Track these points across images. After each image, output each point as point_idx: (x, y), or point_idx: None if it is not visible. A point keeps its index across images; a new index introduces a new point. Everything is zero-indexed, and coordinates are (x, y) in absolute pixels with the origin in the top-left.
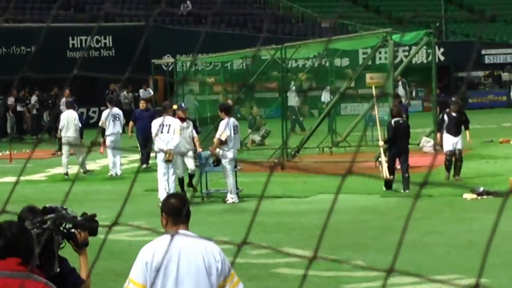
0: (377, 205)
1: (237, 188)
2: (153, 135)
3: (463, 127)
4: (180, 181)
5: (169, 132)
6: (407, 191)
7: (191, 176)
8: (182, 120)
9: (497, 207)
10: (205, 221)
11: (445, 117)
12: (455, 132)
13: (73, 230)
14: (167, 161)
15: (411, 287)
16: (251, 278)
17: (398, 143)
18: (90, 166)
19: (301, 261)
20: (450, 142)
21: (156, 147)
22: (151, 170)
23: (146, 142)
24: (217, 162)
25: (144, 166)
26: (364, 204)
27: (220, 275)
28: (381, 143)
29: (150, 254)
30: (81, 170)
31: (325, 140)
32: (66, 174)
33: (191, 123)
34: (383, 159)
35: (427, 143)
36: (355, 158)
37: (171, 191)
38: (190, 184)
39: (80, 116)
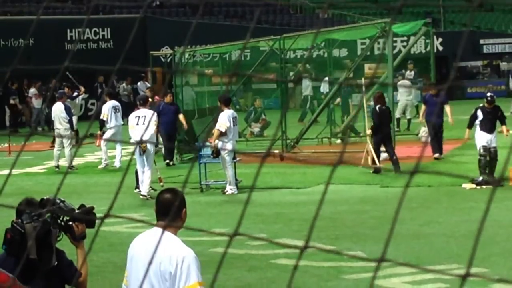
0: (376, 196)
1: (236, 179)
2: (129, 128)
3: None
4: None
5: (144, 124)
6: (398, 173)
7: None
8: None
9: (497, 197)
10: (204, 213)
11: (479, 112)
12: (490, 129)
13: (70, 223)
14: (142, 151)
15: (410, 277)
16: (250, 268)
17: (383, 129)
18: (89, 158)
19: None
20: (484, 138)
21: (132, 139)
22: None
23: (169, 138)
24: (217, 153)
25: (170, 163)
26: (363, 194)
27: (174, 282)
28: (369, 131)
29: (131, 246)
30: (66, 164)
31: (324, 130)
32: (57, 166)
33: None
34: (371, 147)
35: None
36: (345, 148)
37: (146, 183)
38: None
39: (68, 108)
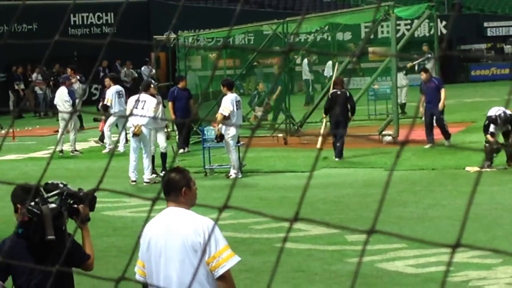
0: (380, 179)
1: (240, 163)
2: (127, 112)
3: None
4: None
5: (144, 109)
6: (337, 159)
7: (164, 155)
8: (153, 96)
9: (501, 180)
10: (208, 197)
11: (491, 127)
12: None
13: (75, 206)
14: (134, 134)
15: (414, 260)
16: (254, 252)
17: (334, 113)
18: (93, 143)
19: (304, 235)
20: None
21: (129, 123)
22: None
23: (183, 124)
24: (220, 138)
25: (185, 150)
26: (367, 177)
27: (204, 251)
28: (323, 114)
29: (144, 232)
30: (70, 148)
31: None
32: (61, 151)
33: (161, 98)
34: (322, 130)
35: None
36: (325, 132)
37: (147, 169)
38: (163, 167)
39: (72, 92)
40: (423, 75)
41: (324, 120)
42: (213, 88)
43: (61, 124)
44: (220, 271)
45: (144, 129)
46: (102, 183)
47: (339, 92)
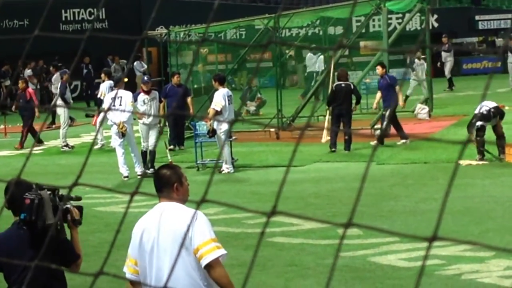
0: (372, 173)
1: (232, 158)
2: (105, 109)
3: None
4: (143, 154)
5: (121, 105)
6: (347, 151)
7: (152, 153)
8: (147, 92)
9: (493, 173)
10: (200, 192)
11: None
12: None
13: (67, 207)
14: (122, 134)
15: (406, 254)
16: (247, 247)
17: (338, 106)
18: (85, 138)
19: (297, 230)
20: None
21: (109, 121)
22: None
23: (176, 122)
24: (212, 133)
25: (180, 148)
26: (360, 171)
27: (189, 242)
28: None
29: (136, 228)
30: (62, 143)
31: (320, 108)
32: (66, 145)
33: (157, 94)
34: (326, 122)
35: (422, 110)
36: (308, 125)
37: (137, 165)
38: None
39: (63, 87)
40: (379, 69)
41: (328, 113)
42: (204, 83)
43: (61, 118)
44: (203, 263)
45: (126, 126)
46: (80, 178)
47: (343, 85)
